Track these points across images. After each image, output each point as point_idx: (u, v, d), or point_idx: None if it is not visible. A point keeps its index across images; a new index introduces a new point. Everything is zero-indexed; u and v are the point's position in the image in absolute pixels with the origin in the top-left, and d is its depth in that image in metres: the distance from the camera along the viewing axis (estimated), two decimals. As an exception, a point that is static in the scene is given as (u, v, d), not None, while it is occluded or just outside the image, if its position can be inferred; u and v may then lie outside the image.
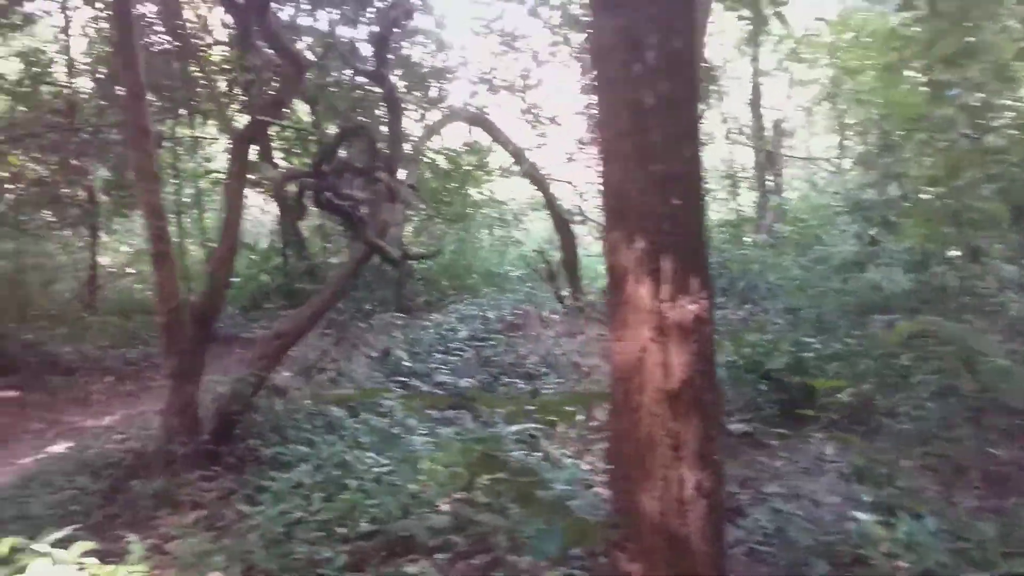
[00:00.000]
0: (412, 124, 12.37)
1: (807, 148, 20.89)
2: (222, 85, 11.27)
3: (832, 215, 12.86)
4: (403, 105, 6.36)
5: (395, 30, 6.54)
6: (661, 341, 2.51)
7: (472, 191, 15.18)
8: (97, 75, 11.67)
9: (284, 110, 6.82)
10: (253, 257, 13.83)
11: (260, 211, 17.49)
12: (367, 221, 5.83)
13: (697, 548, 2.68)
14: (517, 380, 7.01)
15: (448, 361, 7.68)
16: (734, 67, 18.03)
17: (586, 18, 12.93)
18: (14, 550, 3.85)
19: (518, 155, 9.18)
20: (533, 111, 13.14)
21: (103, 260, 13.91)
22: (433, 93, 11.99)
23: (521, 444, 4.86)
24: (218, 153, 14.47)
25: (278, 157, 12.64)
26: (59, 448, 8.18)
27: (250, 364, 6.50)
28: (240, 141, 5.72)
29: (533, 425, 4.80)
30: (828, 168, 17.95)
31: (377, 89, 8.39)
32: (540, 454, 4.96)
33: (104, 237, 13.72)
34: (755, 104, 16.62)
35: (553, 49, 13.16)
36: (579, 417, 5.25)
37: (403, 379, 7.11)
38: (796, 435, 5.40)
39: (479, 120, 8.84)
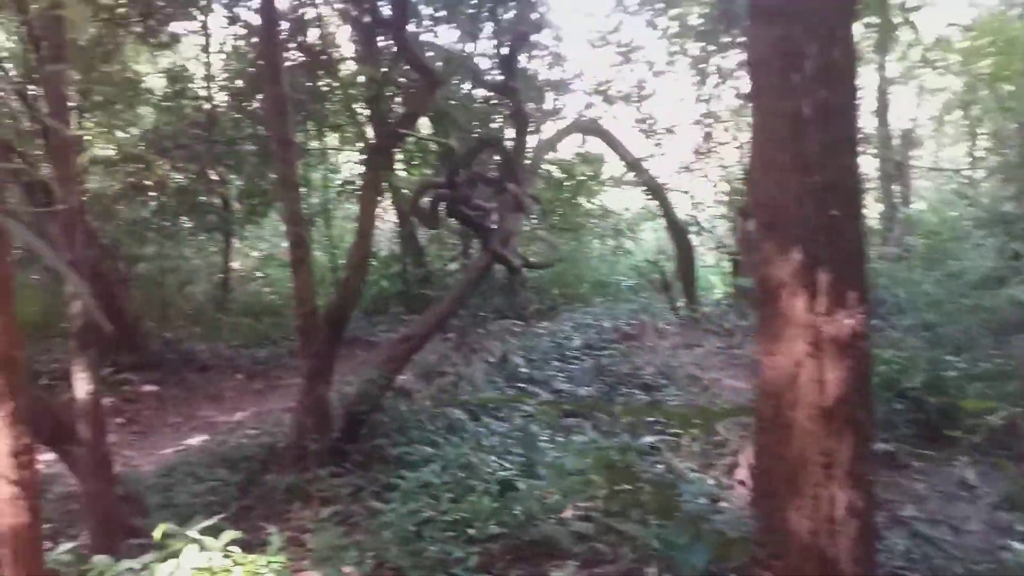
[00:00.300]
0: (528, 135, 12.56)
1: (936, 158, 19.85)
2: (348, 99, 11.75)
3: (966, 228, 12.17)
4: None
5: (524, 44, 6.65)
6: (816, 356, 2.46)
7: (584, 201, 15.22)
8: (233, 90, 12.37)
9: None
10: (374, 264, 14.30)
11: (379, 220, 18.08)
12: (493, 231, 5.94)
13: (847, 570, 2.60)
14: (635, 391, 6.97)
15: (565, 369, 7.72)
16: (860, 75, 17.32)
17: (704, 28, 12.76)
18: (166, 535, 4.13)
19: (636, 165, 9.14)
20: (648, 122, 13.05)
21: (235, 264, 14.70)
22: (548, 105, 12.12)
23: (645, 455, 4.84)
24: (342, 164, 15.09)
25: (399, 168, 13.03)
26: (195, 441, 8.71)
27: (377, 366, 6.74)
28: (375, 153, 5.95)
29: (664, 437, 4.76)
30: (960, 179, 17.00)
31: (499, 102, 8.57)
32: (663, 466, 4.92)
33: (236, 243, 14.48)
34: (882, 113, 15.92)
35: (671, 59, 13.04)
36: (703, 431, 5.17)
37: (521, 385, 7.19)
38: (938, 457, 5.15)
39: (598, 131, 8.86)
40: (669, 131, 12.46)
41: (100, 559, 3.95)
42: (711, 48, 12.98)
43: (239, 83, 12.30)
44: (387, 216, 18.17)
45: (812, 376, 2.47)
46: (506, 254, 6.38)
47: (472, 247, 14.75)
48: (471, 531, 4.22)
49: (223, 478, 6.18)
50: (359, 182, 14.11)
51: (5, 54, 9.90)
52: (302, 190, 12.23)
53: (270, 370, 11.54)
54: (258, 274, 15.40)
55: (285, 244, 16.10)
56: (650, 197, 11.71)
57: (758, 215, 2.57)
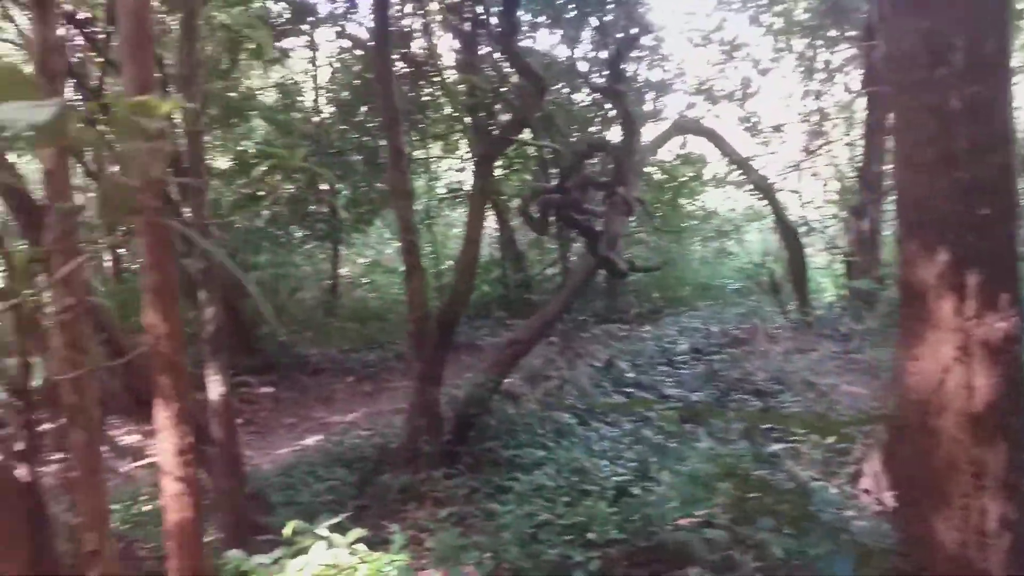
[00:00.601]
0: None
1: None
2: (454, 108, 11.98)
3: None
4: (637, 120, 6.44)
5: (631, 46, 6.62)
6: (965, 361, 2.35)
7: (686, 203, 14.99)
8: (340, 101, 12.80)
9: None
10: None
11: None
12: (600, 235, 5.93)
13: (999, 586, 2.47)
14: (748, 397, 6.80)
15: (673, 374, 7.61)
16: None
17: (810, 23, 12.37)
18: (295, 532, 4.30)
19: (744, 165, 8.95)
20: (753, 120, 12.75)
21: (342, 271, 15.18)
22: (649, 106, 12.01)
23: (765, 463, 4.72)
24: (443, 172, 15.39)
25: (498, 174, 13.16)
26: (310, 441, 9.04)
27: (485, 370, 6.83)
28: (483, 160, 6.04)
29: (785, 445, 4.63)
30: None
31: (601, 106, 8.54)
32: (783, 474, 4.79)
33: (344, 250, 14.95)
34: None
35: (776, 56, 12.71)
36: (836, 439, 5.00)
37: (628, 390, 7.14)
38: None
39: (704, 131, 8.73)
40: (776, 129, 12.13)
41: (233, 554, 4.13)
42: (818, 43, 12.59)
43: (345, 95, 12.74)
44: (487, 222, 18.42)
45: (960, 382, 2.36)
46: (614, 258, 6.34)
47: (572, 252, 14.79)
48: (590, 535, 4.21)
49: (340, 478, 6.38)
50: (462, 190, 14.40)
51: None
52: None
53: (378, 373, 11.88)
54: (364, 280, 15.84)
55: (389, 251, 16.60)
56: (758, 197, 11.42)
57: (902, 215, 2.48)
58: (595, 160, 8.09)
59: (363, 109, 12.29)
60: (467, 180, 14.71)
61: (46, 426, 2.17)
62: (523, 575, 4.03)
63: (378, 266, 15.65)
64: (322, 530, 4.23)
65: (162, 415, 2.13)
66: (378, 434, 7.70)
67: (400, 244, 6.41)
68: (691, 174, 14.13)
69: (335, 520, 4.38)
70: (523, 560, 4.03)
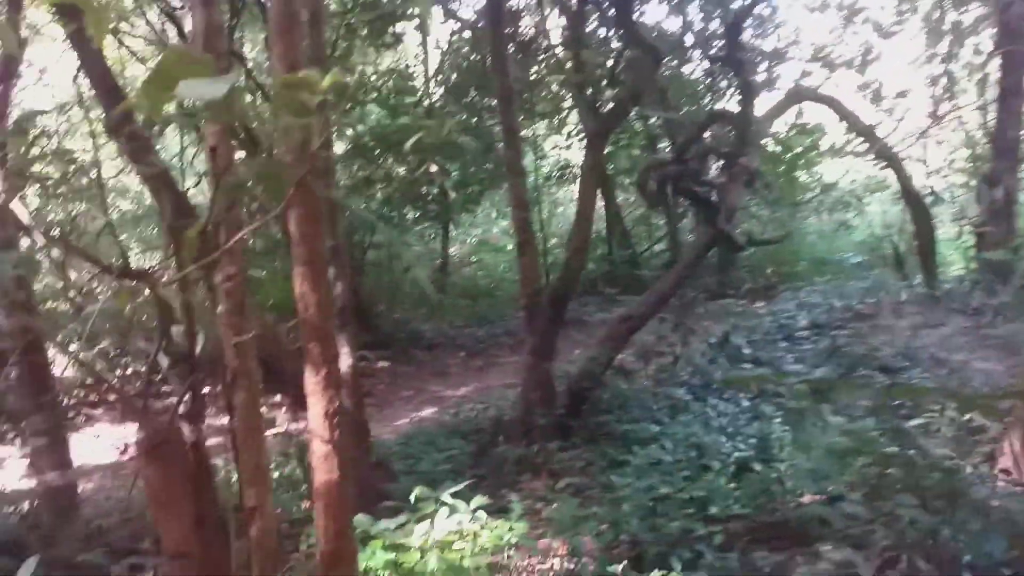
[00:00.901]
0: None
1: None
2: (556, 86, 11.97)
3: None
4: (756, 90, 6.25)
5: (749, 15, 6.42)
6: None
7: (801, 175, 14.45)
8: (450, 83, 12.99)
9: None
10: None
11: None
12: (718, 207, 5.81)
13: None
14: (873, 373, 6.54)
15: (793, 350, 7.40)
16: None
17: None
18: (419, 498, 4.46)
19: (867, 133, 8.53)
20: (874, 87, 12.13)
21: (452, 250, 15.49)
22: (763, 76, 11.61)
23: (895, 439, 4.54)
24: (549, 150, 15.40)
25: (606, 150, 13.06)
26: (426, 413, 9.32)
27: (598, 344, 6.85)
28: (596, 136, 6.01)
29: (918, 421, 4.44)
30: None
31: (714, 77, 8.32)
32: (916, 451, 4.60)
33: (453, 230, 15.24)
34: None
35: (899, 19, 12.02)
36: (961, 415, 4.77)
37: (746, 366, 7.00)
38: None
39: (824, 99, 8.36)
40: (900, 96, 11.51)
41: (360, 519, 4.32)
42: (946, 3, 11.82)
43: (454, 77, 12.92)
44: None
45: None
46: (731, 231, 6.21)
47: (680, 228, 14.55)
48: (712, 510, 4.19)
49: (458, 448, 6.56)
50: (571, 167, 14.38)
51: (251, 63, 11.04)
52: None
53: (488, 348, 12.11)
54: (472, 259, 16.11)
55: (496, 230, 16.80)
56: (881, 167, 10.88)
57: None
58: (707, 133, 7.93)
59: (472, 92, 12.45)
60: (573, 157, 14.69)
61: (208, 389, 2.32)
62: (643, 547, 4.04)
63: (486, 245, 15.88)
64: (446, 497, 4.38)
65: (311, 381, 2.26)
66: (492, 407, 7.87)
67: (513, 221, 6.49)
68: (807, 145, 13.59)
69: (457, 488, 4.52)
70: (644, 532, 4.05)
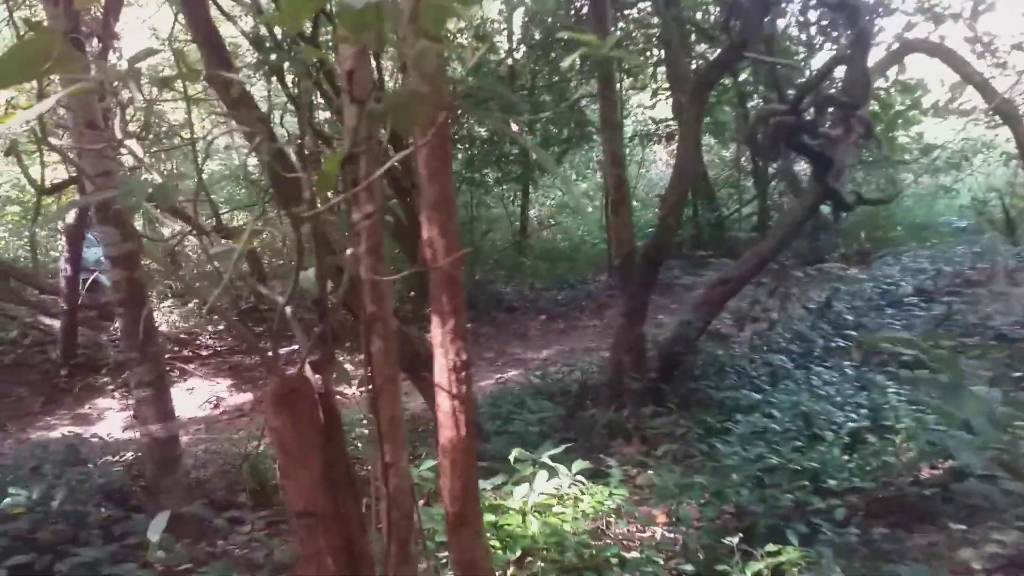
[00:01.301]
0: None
1: None
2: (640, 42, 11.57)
3: None
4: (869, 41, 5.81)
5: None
6: None
7: (900, 134, 13.70)
8: (534, 42, 12.69)
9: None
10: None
11: (666, 164, 17.81)
12: (830, 163, 5.46)
13: None
14: (990, 342, 6.13)
15: (900, 317, 7.00)
16: None
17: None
18: (517, 460, 4.36)
19: (986, 89, 7.93)
20: (986, 40, 11.29)
21: (531, 212, 15.31)
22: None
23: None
24: (632, 109, 14.98)
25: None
26: (511, 374, 9.25)
27: (693, 308, 6.60)
28: (700, 87, 5.71)
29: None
30: None
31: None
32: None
33: (532, 192, 15.04)
34: None
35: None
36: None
37: (851, 333, 6.64)
38: None
39: (940, 51, 7.78)
40: (1018, 48, 10.68)
41: (459, 478, 4.22)
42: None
43: (537, 35, 12.62)
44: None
45: None
46: (840, 190, 5.85)
47: (772, 190, 14.01)
48: (830, 482, 3.95)
49: (547, 410, 6.44)
50: (662, 122, 13.96)
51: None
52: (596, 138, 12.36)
53: (569, 311, 11.97)
54: (551, 222, 15.91)
55: (576, 192, 16.52)
56: (994, 125, 10.17)
57: None
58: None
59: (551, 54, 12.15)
60: (659, 116, 14.27)
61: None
62: (753, 519, 3.84)
63: (566, 207, 15.64)
64: (547, 459, 4.27)
65: (437, 332, 2.12)
66: (577, 369, 7.73)
67: (607, 178, 6.27)
68: (909, 103, 12.84)
69: (555, 451, 4.40)
70: (755, 504, 3.85)
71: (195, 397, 8.94)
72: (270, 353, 1.88)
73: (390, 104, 1.57)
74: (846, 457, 4.30)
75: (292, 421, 1.78)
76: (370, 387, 1.78)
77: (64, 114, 5.34)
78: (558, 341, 10.77)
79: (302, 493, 1.80)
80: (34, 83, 5.83)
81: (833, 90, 7.53)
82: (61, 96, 1.40)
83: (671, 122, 13.56)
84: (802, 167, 13.89)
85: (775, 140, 5.88)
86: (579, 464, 4.21)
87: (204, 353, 10.12)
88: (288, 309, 1.84)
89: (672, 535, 4.05)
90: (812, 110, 5.60)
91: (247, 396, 9.20)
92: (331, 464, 1.85)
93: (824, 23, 10.77)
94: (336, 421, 1.90)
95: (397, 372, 1.85)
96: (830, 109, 5.41)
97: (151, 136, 10.13)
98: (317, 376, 1.88)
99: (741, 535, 3.28)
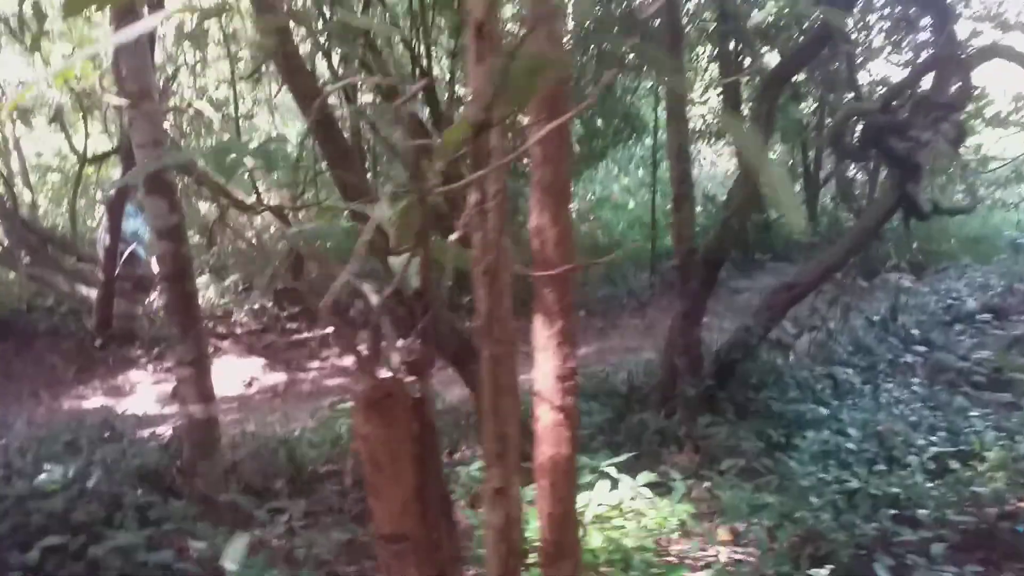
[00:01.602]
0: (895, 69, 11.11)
1: None
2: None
3: None
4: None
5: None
6: None
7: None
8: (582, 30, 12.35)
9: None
10: (712, 209, 13.78)
11: (711, 163, 17.42)
12: (914, 168, 5.12)
13: None
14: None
15: (971, 334, 6.63)
16: None
17: None
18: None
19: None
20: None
21: (571, 206, 14.98)
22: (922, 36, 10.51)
23: None
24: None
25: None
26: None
27: (754, 314, 6.28)
28: (773, 81, 5.38)
29: None
30: None
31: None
32: None
33: (573, 185, 14.73)
34: None
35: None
36: None
37: (920, 349, 6.29)
38: None
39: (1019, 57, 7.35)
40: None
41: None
42: None
43: (588, 24, 12.26)
44: (719, 160, 17.46)
45: None
46: (917, 197, 5.50)
47: (820, 197, 13.59)
48: (920, 512, 3.64)
49: (594, 411, 6.16)
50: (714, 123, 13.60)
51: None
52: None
53: (609, 310, 11.65)
54: (591, 217, 15.57)
55: (616, 188, 16.17)
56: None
57: None
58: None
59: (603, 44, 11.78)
60: (705, 113, 13.89)
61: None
62: (828, 545, 3.54)
63: (607, 202, 15.31)
64: (611, 468, 4.01)
65: (542, 334, 1.88)
66: (623, 370, 7.42)
67: (671, 172, 5.95)
68: (972, 112, 12.34)
69: (619, 459, 4.14)
70: (838, 531, 3.54)
71: (228, 374, 8.79)
72: (362, 351, 1.63)
73: (517, 69, 1.30)
74: (930, 484, 3.98)
75: (384, 430, 1.52)
76: (478, 398, 1.52)
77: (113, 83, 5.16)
78: (597, 339, 10.47)
79: (392, 513, 1.55)
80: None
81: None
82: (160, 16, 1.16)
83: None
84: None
85: (864, 140, 5.54)
86: (645, 476, 3.94)
87: (238, 331, 9.96)
88: (374, 299, 1.58)
89: (739, 556, 3.78)
90: (904, 111, 5.26)
91: (281, 376, 9.04)
92: (425, 482, 1.59)
93: (887, 25, 10.38)
94: (431, 433, 1.64)
95: (516, 382, 1.61)
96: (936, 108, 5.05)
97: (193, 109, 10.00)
98: (413, 378, 1.62)
99: (832, 567, 3.00)
